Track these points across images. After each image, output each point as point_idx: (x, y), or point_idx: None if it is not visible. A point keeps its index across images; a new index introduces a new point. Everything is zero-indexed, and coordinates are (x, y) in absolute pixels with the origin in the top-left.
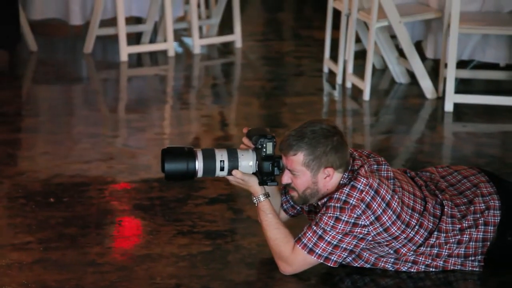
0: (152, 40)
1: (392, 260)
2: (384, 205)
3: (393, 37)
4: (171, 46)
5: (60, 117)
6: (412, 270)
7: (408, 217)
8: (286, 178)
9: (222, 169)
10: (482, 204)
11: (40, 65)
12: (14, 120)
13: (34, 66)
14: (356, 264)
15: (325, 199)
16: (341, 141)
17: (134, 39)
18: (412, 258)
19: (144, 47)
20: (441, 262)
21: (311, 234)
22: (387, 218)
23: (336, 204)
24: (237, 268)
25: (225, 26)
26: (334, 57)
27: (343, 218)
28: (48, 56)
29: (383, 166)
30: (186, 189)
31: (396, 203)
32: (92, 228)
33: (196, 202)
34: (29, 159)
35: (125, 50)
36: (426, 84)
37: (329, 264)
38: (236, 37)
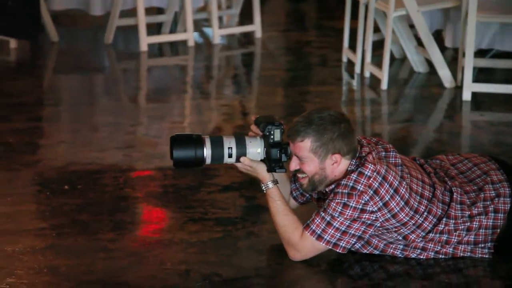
0: (172, 30)
1: (401, 246)
2: (392, 191)
3: (412, 26)
4: (191, 36)
5: (79, 106)
6: (422, 257)
7: (416, 203)
8: (294, 165)
9: (230, 156)
10: (492, 192)
11: (61, 55)
12: (34, 109)
13: (55, 56)
14: (365, 251)
15: (333, 186)
16: (349, 128)
17: (155, 29)
18: (421, 244)
19: (164, 37)
20: (451, 249)
21: (319, 221)
22: (395, 204)
23: (344, 190)
24: (246, 254)
25: (245, 16)
26: (353, 46)
27: (350, 204)
28: (69, 46)
29: (391, 153)
30: (199, 177)
31: (404, 189)
32: (104, 215)
33: (209, 190)
34: (47, 147)
35: (145, 40)
36: (444, 73)
37: (337, 250)
38: (256, 27)
